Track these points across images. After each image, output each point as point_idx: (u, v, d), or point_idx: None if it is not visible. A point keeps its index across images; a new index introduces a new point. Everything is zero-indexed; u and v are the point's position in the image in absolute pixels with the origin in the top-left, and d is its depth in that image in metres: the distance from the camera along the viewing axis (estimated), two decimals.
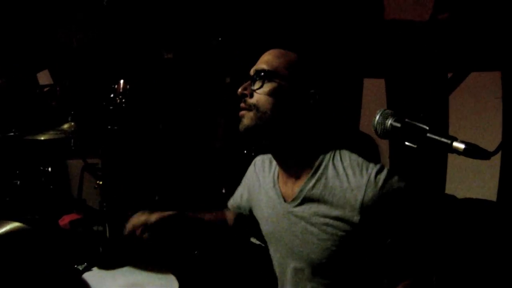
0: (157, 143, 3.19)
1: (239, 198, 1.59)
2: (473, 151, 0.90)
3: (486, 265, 1.94)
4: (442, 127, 2.47)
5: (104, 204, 1.96)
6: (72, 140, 2.00)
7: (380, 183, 1.12)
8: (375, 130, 1.04)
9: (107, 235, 1.91)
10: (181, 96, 3.37)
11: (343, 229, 1.15)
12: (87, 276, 1.69)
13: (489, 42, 2.16)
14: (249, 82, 1.24)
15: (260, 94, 1.20)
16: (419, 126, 0.98)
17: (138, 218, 1.36)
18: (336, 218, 1.16)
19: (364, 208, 1.11)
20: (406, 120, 0.99)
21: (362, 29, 2.80)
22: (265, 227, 1.40)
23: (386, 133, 1.02)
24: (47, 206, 2.31)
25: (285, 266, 1.33)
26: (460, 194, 2.39)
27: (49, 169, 2.54)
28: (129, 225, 1.36)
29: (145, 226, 1.34)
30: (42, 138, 1.85)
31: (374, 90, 2.87)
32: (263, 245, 2.52)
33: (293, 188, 1.27)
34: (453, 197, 2.41)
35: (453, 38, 2.32)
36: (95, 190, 2.73)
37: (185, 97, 3.39)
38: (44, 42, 2.96)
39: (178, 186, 3.10)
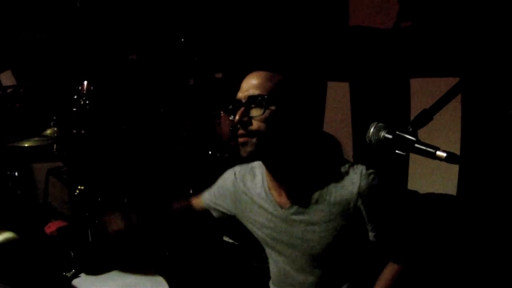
0: (121, 145, 3.21)
1: (221, 202, 1.68)
2: (452, 158, 1.09)
3: (449, 255, 2.18)
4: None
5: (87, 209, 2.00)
6: (55, 145, 2.00)
7: (371, 177, 1.31)
8: (369, 140, 1.20)
9: (90, 239, 1.95)
10: (145, 97, 3.41)
11: (341, 223, 1.32)
12: (76, 283, 1.73)
13: (449, 49, 2.41)
14: (243, 108, 1.29)
15: (260, 121, 1.27)
16: (408, 138, 1.15)
17: None
18: (335, 214, 1.32)
19: (359, 199, 1.29)
20: (397, 132, 1.16)
21: (326, 34, 2.99)
22: (260, 233, 1.52)
23: (379, 143, 1.19)
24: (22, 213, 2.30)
25: (285, 264, 1.49)
26: (422, 189, 2.64)
27: (16, 173, 2.52)
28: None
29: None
30: (26, 145, 1.85)
31: (338, 93, 3.06)
32: (236, 243, 2.66)
33: (289, 194, 1.40)
34: (415, 192, 2.66)
35: (415, 45, 2.56)
36: (62, 194, 2.75)
37: (149, 98, 3.43)
38: (6, 42, 2.90)
39: (146, 188, 3.15)
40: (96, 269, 1.81)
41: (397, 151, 1.17)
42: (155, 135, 3.40)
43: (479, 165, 2.31)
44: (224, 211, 1.68)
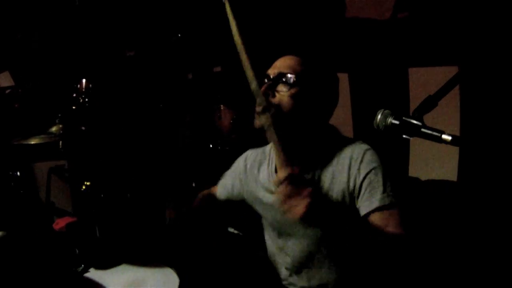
0: (123, 141, 3.24)
1: (230, 188, 1.77)
2: (457, 141, 1.13)
3: (450, 240, 2.24)
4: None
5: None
6: (61, 142, 2.03)
7: (370, 152, 1.40)
8: (377, 126, 1.24)
9: (97, 234, 1.98)
10: (144, 93, 3.44)
11: (344, 200, 1.39)
12: (87, 276, 1.74)
13: (446, 39, 2.47)
14: (270, 82, 1.41)
15: (283, 96, 1.39)
16: (414, 123, 1.19)
17: None
18: (337, 191, 1.40)
19: (359, 174, 1.37)
20: (404, 118, 1.21)
21: (325, 25, 3.04)
22: (266, 213, 1.60)
23: (387, 128, 1.23)
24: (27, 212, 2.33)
25: (289, 244, 1.55)
26: (423, 176, 2.71)
27: (18, 173, 2.54)
28: None
29: None
30: (32, 143, 1.88)
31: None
32: (241, 234, 2.71)
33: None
34: (417, 179, 2.72)
35: (412, 35, 2.61)
36: (64, 192, 2.78)
37: (147, 94, 3.46)
38: (4, 43, 2.91)
39: (149, 183, 3.19)
40: (104, 264, 1.84)
41: (404, 136, 1.21)
42: (155, 130, 3.44)
43: (479, 151, 2.36)
44: (235, 193, 1.75)
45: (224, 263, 2.23)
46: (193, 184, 3.21)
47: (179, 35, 3.44)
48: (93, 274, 1.78)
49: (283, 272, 1.64)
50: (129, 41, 3.36)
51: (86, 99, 2.66)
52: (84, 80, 2.64)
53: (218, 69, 3.60)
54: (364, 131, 3.04)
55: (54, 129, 2.03)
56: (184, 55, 3.47)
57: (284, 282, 1.66)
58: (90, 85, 2.66)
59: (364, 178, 1.37)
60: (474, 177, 2.41)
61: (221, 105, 3.40)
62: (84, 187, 2.12)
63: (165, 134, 3.48)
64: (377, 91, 2.83)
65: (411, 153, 2.76)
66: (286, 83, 1.40)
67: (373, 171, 1.37)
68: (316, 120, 1.46)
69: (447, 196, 2.47)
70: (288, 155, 1.42)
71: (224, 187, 1.82)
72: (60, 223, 1.87)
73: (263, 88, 1.38)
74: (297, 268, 1.56)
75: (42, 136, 1.94)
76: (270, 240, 1.69)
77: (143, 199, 3.07)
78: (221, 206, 1.88)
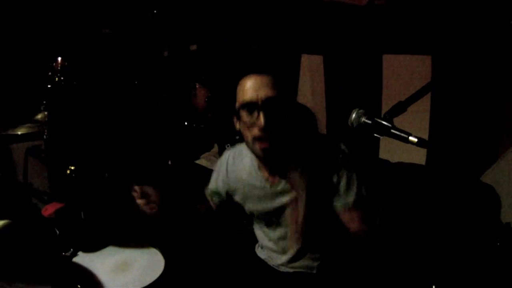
0: (98, 119, 3.30)
1: (214, 187, 1.91)
2: (422, 143, 1.31)
3: (417, 220, 2.46)
4: (375, 103, 2.97)
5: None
6: (46, 130, 2.09)
7: (347, 153, 1.56)
8: (351, 124, 1.41)
9: (83, 218, 2.09)
10: (119, 70, 3.48)
11: (323, 193, 1.56)
12: (75, 261, 1.84)
13: (421, 29, 2.62)
14: (262, 114, 1.44)
15: (282, 123, 1.47)
16: (385, 124, 1.36)
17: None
18: (317, 186, 1.55)
19: (337, 172, 1.54)
20: (375, 118, 1.37)
21: (300, 8, 3.14)
22: (252, 206, 1.75)
23: (360, 127, 1.40)
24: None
25: (273, 232, 1.74)
26: (393, 159, 2.91)
27: None
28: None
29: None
30: (19, 133, 1.94)
31: (312, 65, 3.25)
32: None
33: (277, 171, 1.62)
34: (387, 161, 2.93)
35: (388, 23, 2.75)
36: (40, 173, 2.85)
37: (123, 71, 3.51)
38: None
39: (126, 161, 3.28)
40: (91, 246, 1.94)
41: (375, 134, 1.38)
42: (131, 107, 3.50)
43: (446, 137, 2.58)
44: (224, 194, 1.88)
45: (207, 241, 2.38)
46: (169, 162, 3.33)
47: (155, 11, 3.48)
48: (81, 257, 1.88)
49: (274, 257, 1.83)
50: (105, 19, 3.37)
51: (62, 78, 2.70)
52: (59, 59, 2.67)
53: (194, 47, 3.66)
54: (337, 114, 3.22)
55: (39, 116, 2.08)
56: (160, 32, 3.52)
57: (271, 264, 1.85)
58: (66, 63, 2.70)
59: (341, 177, 1.55)
60: (440, 161, 2.62)
61: (196, 83, 3.50)
62: (68, 171, 2.21)
63: (142, 111, 3.55)
64: (351, 75, 2.98)
65: (382, 137, 2.94)
66: (268, 110, 1.45)
67: (348, 171, 1.55)
68: (297, 126, 1.58)
69: (415, 178, 2.69)
70: (275, 156, 1.60)
71: (211, 191, 1.95)
72: (49, 209, 1.95)
73: (263, 122, 1.43)
74: (285, 252, 1.76)
75: (29, 125, 1.99)
76: (260, 231, 1.86)
77: (120, 178, 3.18)
78: (219, 209, 1.99)
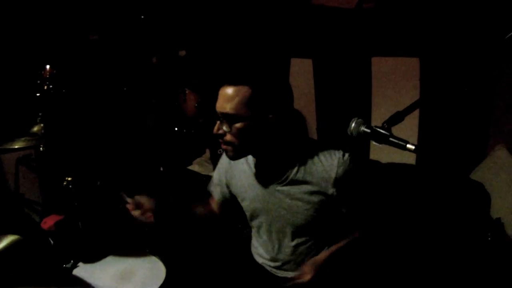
0: (89, 126, 3.30)
1: (218, 184, 1.95)
2: (419, 150, 1.37)
3: (410, 219, 2.55)
4: (365, 106, 3.04)
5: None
6: (42, 142, 2.10)
7: (347, 162, 1.59)
8: (351, 133, 1.46)
9: (81, 228, 2.11)
10: (108, 77, 3.48)
11: (321, 199, 1.62)
12: (77, 272, 1.87)
13: (409, 30, 2.70)
14: (218, 122, 1.55)
15: (231, 135, 1.53)
16: (383, 133, 1.42)
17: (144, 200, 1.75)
18: (316, 192, 1.61)
19: (337, 181, 1.58)
20: (374, 127, 1.43)
21: (289, 12, 3.19)
22: (250, 205, 1.80)
23: (359, 135, 1.45)
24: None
25: (269, 233, 1.79)
26: (383, 159, 2.99)
27: None
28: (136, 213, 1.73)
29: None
30: (17, 146, 1.94)
31: (302, 69, 3.31)
32: None
33: (277, 174, 1.66)
34: (377, 162, 3.01)
35: (376, 26, 2.82)
36: (32, 182, 2.85)
37: (111, 77, 3.51)
38: None
39: (117, 169, 3.28)
40: (91, 257, 1.95)
41: (374, 143, 1.44)
42: (120, 114, 3.50)
43: (435, 137, 2.67)
44: (228, 190, 1.92)
45: (207, 248, 2.42)
46: (161, 169, 3.35)
47: (142, 17, 3.48)
48: (82, 269, 1.90)
49: (268, 262, 1.88)
50: (92, 25, 3.37)
51: (51, 86, 2.70)
52: (48, 66, 2.67)
53: (183, 52, 3.68)
54: (327, 117, 3.29)
55: (36, 128, 2.09)
56: (148, 38, 3.53)
57: (264, 265, 1.90)
58: (55, 71, 2.70)
59: (341, 184, 1.60)
60: (430, 161, 2.71)
61: (186, 89, 3.52)
62: (65, 182, 2.21)
63: (132, 118, 3.56)
64: (340, 78, 3.05)
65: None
66: (228, 122, 1.52)
67: (347, 178, 1.60)
68: (277, 129, 1.58)
69: (406, 178, 2.78)
70: (266, 162, 1.68)
71: (215, 188, 1.98)
72: (48, 222, 1.96)
73: (214, 131, 1.56)
74: (278, 257, 1.81)
75: (26, 138, 1.99)
76: (254, 235, 1.92)
77: (113, 186, 3.19)
78: (221, 211, 2.02)
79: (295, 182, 1.64)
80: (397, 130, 1.70)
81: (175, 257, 2.03)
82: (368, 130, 1.43)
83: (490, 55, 2.46)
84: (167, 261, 1.95)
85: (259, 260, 1.93)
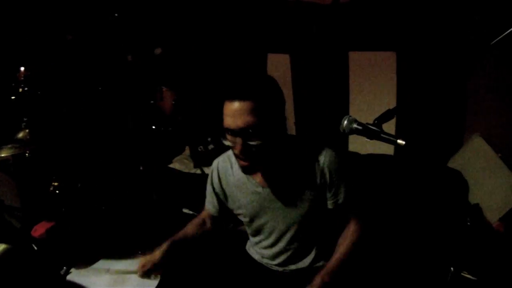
0: (65, 128, 3.25)
1: (215, 201, 1.93)
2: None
3: (393, 208, 2.65)
4: (342, 100, 3.12)
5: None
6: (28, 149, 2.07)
7: (333, 155, 1.67)
8: (343, 130, 1.53)
9: (69, 234, 2.11)
10: (82, 77, 3.44)
11: (314, 194, 1.69)
12: (71, 278, 1.86)
13: (385, 26, 2.78)
14: (239, 139, 1.52)
15: (257, 149, 1.54)
16: (375, 129, 1.49)
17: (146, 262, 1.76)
18: (308, 187, 1.68)
19: (324, 174, 1.66)
20: (366, 124, 1.50)
21: (266, 7, 3.23)
22: (247, 211, 1.83)
23: (351, 132, 1.52)
24: None
25: (270, 232, 1.83)
26: (362, 151, 3.09)
27: None
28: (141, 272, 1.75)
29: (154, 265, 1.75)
30: (3, 155, 1.91)
31: (279, 64, 3.36)
32: (195, 214, 2.93)
33: (269, 176, 1.72)
34: (357, 154, 3.10)
35: (353, 21, 2.90)
36: (11, 189, 2.80)
37: (86, 77, 3.46)
38: None
39: (97, 170, 3.26)
40: (83, 262, 1.95)
41: (366, 139, 1.51)
42: (97, 114, 3.46)
43: (412, 128, 2.78)
44: (219, 203, 1.93)
45: (201, 246, 2.44)
46: (141, 168, 3.35)
47: (116, 15, 3.45)
48: (75, 275, 1.88)
49: (266, 259, 1.93)
50: (66, 25, 3.31)
51: (26, 88, 2.65)
52: (22, 68, 2.63)
53: (159, 50, 3.67)
54: (305, 112, 3.36)
55: (21, 135, 2.06)
56: (122, 36, 3.50)
57: (262, 262, 1.95)
58: (29, 73, 2.66)
59: (330, 179, 1.67)
60: (408, 151, 2.81)
61: (163, 87, 3.53)
62: (51, 188, 2.20)
63: (109, 118, 3.53)
64: (318, 73, 3.12)
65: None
66: (255, 135, 1.52)
67: (336, 173, 1.67)
68: (283, 138, 1.65)
69: (386, 169, 2.89)
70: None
71: (210, 202, 1.97)
72: (38, 230, 1.96)
73: (237, 151, 1.54)
74: (276, 256, 1.87)
75: (14, 145, 1.96)
76: (251, 235, 1.95)
77: (94, 187, 3.17)
78: (218, 222, 2.02)
79: (287, 181, 1.69)
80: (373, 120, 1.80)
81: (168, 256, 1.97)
82: (360, 127, 1.50)
83: (464, 48, 2.58)
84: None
85: (257, 257, 1.98)
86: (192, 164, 3.51)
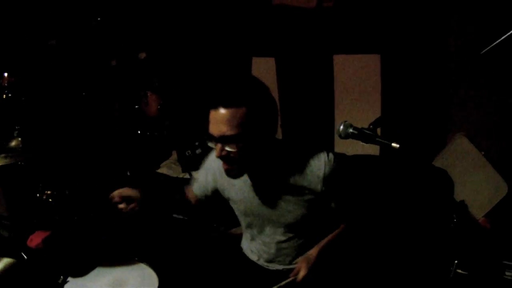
0: (51, 134, 3.22)
1: (204, 184, 2.02)
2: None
3: (381, 208, 2.72)
4: (328, 102, 3.18)
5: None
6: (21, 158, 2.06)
7: (332, 161, 1.73)
8: (339, 134, 1.59)
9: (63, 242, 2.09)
10: (66, 82, 3.41)
11: (311, 198, 1.74)
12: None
13: (368, 28, 2.85)
14: (220, 145, 1.59)
15: (236, 154, 1.59)
16: (369, 133, 1.55)
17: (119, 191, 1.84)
18: (306, 191, 1.73)
19: (325, 179, 1.70)
20: (361, 129, 1.56)
21: (250, 12, 3.27)
22: (241, 207, 1.90)
23: (347, 136, 1.58)
24: None
25: (263, 231, 1.90)
26: (349, 152, 3.15)
27: None
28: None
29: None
30: None
31: (264, 68, 3.41)
32: (186, 218, 2.95)
33: (266, 179, 1.77)
34: (343, 154, 3.16)
35: (337, 24, 2.96)
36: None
37: (69, 82, 3.44)
38: None
39: (85, 175, 3.23)
40: (79, 270, 1.93)
41: (361, 143, 1.57)
42: (82, 120, 3.43)
43: (398, 129, 2.85)
44: (210, 188, 2.01)
45: (194, 247, 2.47)
46: (128, 173, 3.34)
47: (99, 19, 3.44)
48: (72, 284, 1.87)
49: (260, 256, 1.99)
50: (50, 30, 3.28)
51: (10, 95, 2.63)
52: (5, 74, 2.61)
53: (143, 55, 3.66)
54: (290, 115, 3.41)
55: (13, 143, 2.04)
56: (105, 41, 3.49)
57: (260, 263, 2.00)
58: (13, 79, 2.64)
59: (326, 181, 1.72)
60: (393, 152, 2.89)
61: (148, 91, 3.53)
62: (45, 196, 2.18)
63: (93, 124, 3.51)
64: (303, 76, 3.17)
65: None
66: (232, 142, 1.58)
67: (329, 174, 1.72)
68: (269, 139, 1.70)
69: (373, 169, 2.95)
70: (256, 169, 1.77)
71: (199, 185, 2.05)
72: (34, 240, 1.94)
73: (217, 154, 1.61)
74: (270, 252, 1.93)
75: (8, 155, 1.93)
76: (246, 231, 2.02)
77: (81, 194, 3.14)
78: (198, 204, 2.10)
79: (285, 184, 1.74)
80: (358, 122, 1.90)
81: (164, 262, 2.05)
82: (356, 132, 1.57)
83: (446, 49, 2.68)
84: (156, 267, 1.96)
85: (251, 256, 2.04)
86: (179, 169, 3.52)
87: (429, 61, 2.80)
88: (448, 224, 2.53)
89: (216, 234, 2.71)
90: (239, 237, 2.24)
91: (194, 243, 2.57)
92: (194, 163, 3.35)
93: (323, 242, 1.84)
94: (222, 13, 3.37)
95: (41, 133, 2.98)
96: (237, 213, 1.97)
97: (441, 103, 2.89)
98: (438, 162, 2.86)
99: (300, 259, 1.81)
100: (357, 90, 3.07)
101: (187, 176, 3.39)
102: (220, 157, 1.61)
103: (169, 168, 3.53)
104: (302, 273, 1.73)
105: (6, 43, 3.03)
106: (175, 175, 3.43)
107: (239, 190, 1.86)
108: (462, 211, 2.57)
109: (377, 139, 1.55)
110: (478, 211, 2.60)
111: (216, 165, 1.92)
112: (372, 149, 3.05)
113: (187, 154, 3.38)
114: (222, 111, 1.55)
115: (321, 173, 1.70)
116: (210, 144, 1.65)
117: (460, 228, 2.50)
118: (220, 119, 1.55)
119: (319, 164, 1.71)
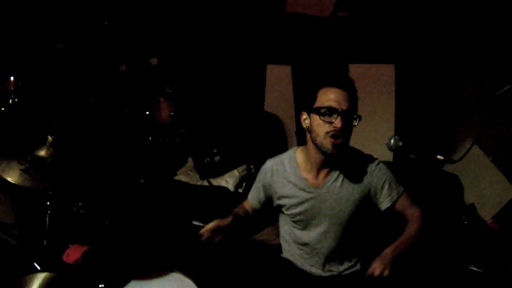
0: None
1: (257, 194, 2.18)
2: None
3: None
4: None
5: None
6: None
7: (380, 165, 1.99)
8: (390, 148, 1.75)
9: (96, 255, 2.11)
10: (72, 87, 3.40)
11: (362, 196, 1.94)
12: None
13: (385, 39, 3.00)
14: (339, 117, 1.82)
15: (348, 128, 1.85)
16: (419, 147, 1.71)
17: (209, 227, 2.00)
18: (357, 191, 1.94)
19: (374, 179, 1.94)
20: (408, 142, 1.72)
21: (263, 18, 3.38)
22: (296, 209, 2.01)
23: (397, 149, 1.74)
24: None
25: (311, 234, 2.01)
26: None
27: None
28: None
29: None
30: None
31: (280, 75, 3.53)
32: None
33: (322, 177, 1.95)
34: None
35: (352, 34, 3.09)
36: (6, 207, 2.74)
37: (76, 87, 3.43)
38: None
39: (98, 184, 3.23)
40: (114, 284, 1.92)
41: (410, 155, 1.74)
42: (90, 125, 3.45)
43: (410, 135, 3.00)
44: (263, 197, 2.15)
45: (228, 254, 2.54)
46: (141, 180, 3.37)
47: (106, 23, 3.46)
48: None
49: (305, 260, 2.08)
50: (58, 34, 3.29)
51: (16, 99, 2.64)
52: (12, 78, 2.62)
53: (154, 60, 3.71)
54: None
55: (42, 153, 2.06)
56: (113, 45, 3.52)
57: (303, 267, 2.09)
58: (20, 83, 2.65)
59: (382, 182, 1.95)
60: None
61: (160, 98, 3.57)
62: (75, 208, 2.19)
63: (105, 129, 3.51)
64: (318, 84, 3.28)
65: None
66: (351, 118, 1.86)
67: (386, 176, 1.96)
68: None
69: None
70: (323, 163, 1.96)
71: (253, 196, 2.21)
72: (71, 255, 1.94)
73: (340, 125, 1.82)
74: (320, 257, 2.03)
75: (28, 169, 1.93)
76: (292, 234, 2.10)
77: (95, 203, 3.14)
78: (255, 213, 2.25)
79: (338, 183, 1.94)
80: (373, 131, 2.06)
81: (201, 272, 2.08)
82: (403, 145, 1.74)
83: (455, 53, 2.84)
84: (194, 277, 1.99)
85: (292, 258, 2.12)
86: (197, 176, 3.58)
87: (441, 70, 3.00)
88: (458, 225, 2.71)
89: (235, 242, 2.76)
90: (267, 243, 2.34)
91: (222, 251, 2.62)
92: (213, 170, 3.44)
93: (397, 242, 1.91)
94: (237, 19, 3.46)
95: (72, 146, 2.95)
96: (294, 218, 2.05)
97: (451, 111, 3.06)
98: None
99: (376, 258, 1.85)
100: (371, 98, 3.20)
101: (205, 183, 3.46)
102: (341, 128, 1.81)
103: (186, 175, 3.58)
104: (377, 272, 1.77)
105: (12, 47, 3.03)
106: (193, 182, 3.50)
107: (296, 192, 1.99)
108: (471, 213, 2.75)
109: (424, 152, 1.71)
110: (487, 213, 2.81)
111: (270, 174, 2.08)
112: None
113: (205, 161, 3.44)
114: (343, 91, 1.86)
115: (371, 173, 1.95)
116: (324, 118, 1.84)
117: (469, 229, 2.69)
118: (343, 96, 1.86)
119: (371, 167, 1.97)
